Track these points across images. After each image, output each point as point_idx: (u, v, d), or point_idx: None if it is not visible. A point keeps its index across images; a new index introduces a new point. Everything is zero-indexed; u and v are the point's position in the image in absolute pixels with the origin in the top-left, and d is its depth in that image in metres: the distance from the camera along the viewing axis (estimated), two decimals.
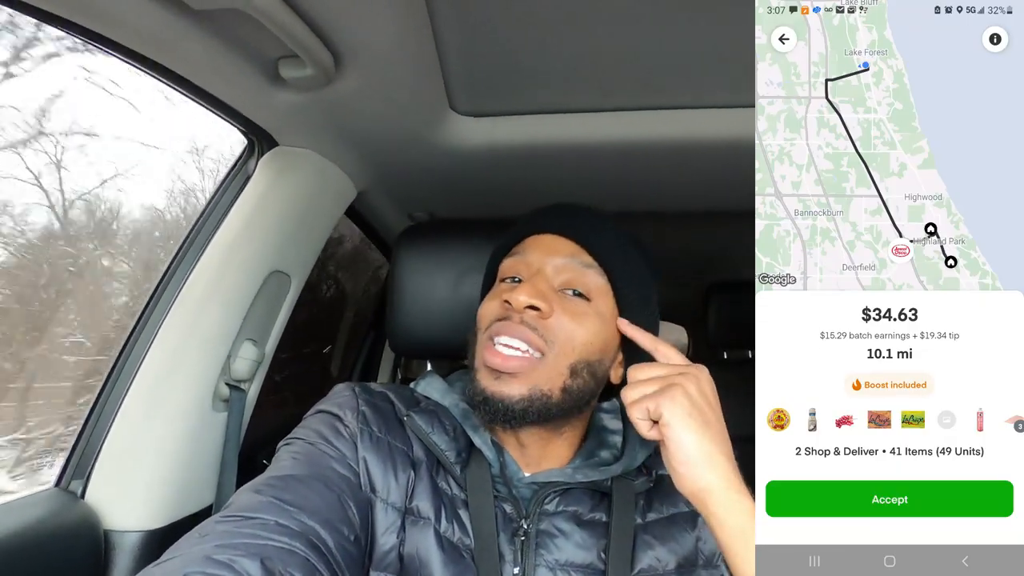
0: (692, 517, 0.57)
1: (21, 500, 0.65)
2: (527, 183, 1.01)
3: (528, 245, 0.60)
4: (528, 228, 0.62)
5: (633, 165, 0.95)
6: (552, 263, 0.58)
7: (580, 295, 0.57)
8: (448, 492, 0.55)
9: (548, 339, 0.54)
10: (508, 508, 0.54)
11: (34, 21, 0.54)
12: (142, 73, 0.64)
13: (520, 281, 0.59)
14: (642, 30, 0.64)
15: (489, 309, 0.58)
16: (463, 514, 0.53)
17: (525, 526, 0.53)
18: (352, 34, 0.61)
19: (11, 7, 0.50)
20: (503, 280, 0.61)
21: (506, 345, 0.54)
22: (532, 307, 0.54)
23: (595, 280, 0.58)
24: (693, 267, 1.67)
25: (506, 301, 0.55)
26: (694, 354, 2.43)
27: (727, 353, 1.54)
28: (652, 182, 1.02)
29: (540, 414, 0.54)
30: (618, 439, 0.62)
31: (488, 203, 1.10)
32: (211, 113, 0.74)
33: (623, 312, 0.59)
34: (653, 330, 0.62)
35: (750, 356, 1.52)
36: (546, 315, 0.54)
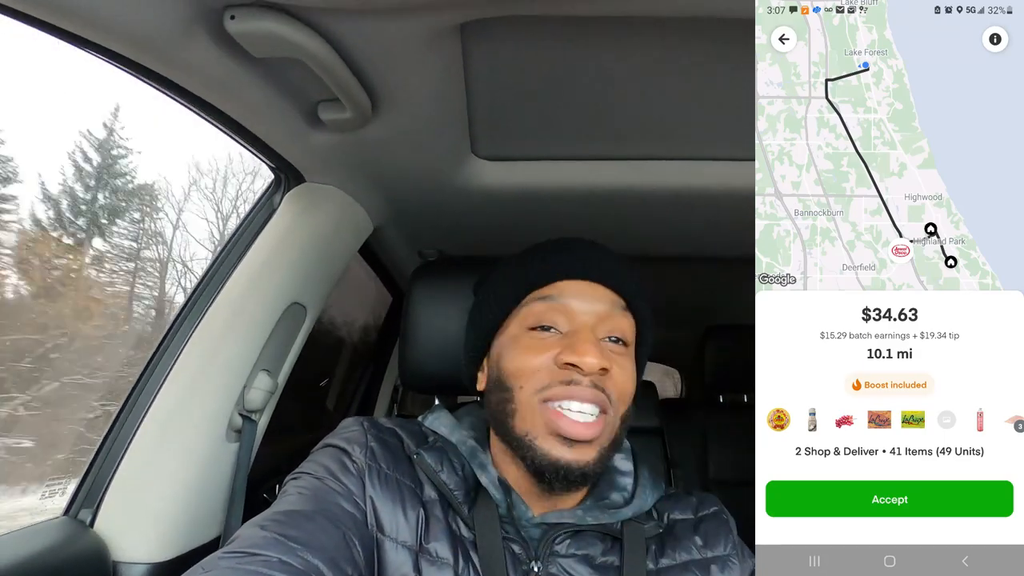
0: (705, 565, 0.55)
1: (30, 529, 0.64)
2: (537, 224, 1.04)
3: (564, 291, 0.56)
4: (560, 271, 0.58)
5: (639, 211, 0.99)
6: (595, 312, 0.56)
7: (619, 341, 0.56)
8: (458, 532, 0.53)
9: (612, 398, 0.53)
10: (517, 549, 0.53)
11: None
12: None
13: (552, 330, 0.55)
14: (654, 89, 0.68)
15: (537, 366, 0.54)
16: (474, 556, 0.52)
17: (536, 569, 0.52)
18: (393, 81, 0.64)
19: (86, 50, 0.51)
20: (534, 328, 0.56)
21: (579, 412, 0.52)
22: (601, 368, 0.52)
23: (629, 324, 0.58)
24: (692, 310, 1.71)
25: (570, 364, 0.52)
26: (688, 397, 2.41)
27: (722, 397, 1.55)
28: (657, 227, 1.07)
29: (599, 471, 0.54)
30: (629, 481, 0.60)
31: (498, 242, 1.13)
32: (245, 149, 0.76)
33: (638, 351, 0.59)
34: (642, 368, 0.62)
35: (746, 400, 1.54)
36: (607, 372, 0.53)
